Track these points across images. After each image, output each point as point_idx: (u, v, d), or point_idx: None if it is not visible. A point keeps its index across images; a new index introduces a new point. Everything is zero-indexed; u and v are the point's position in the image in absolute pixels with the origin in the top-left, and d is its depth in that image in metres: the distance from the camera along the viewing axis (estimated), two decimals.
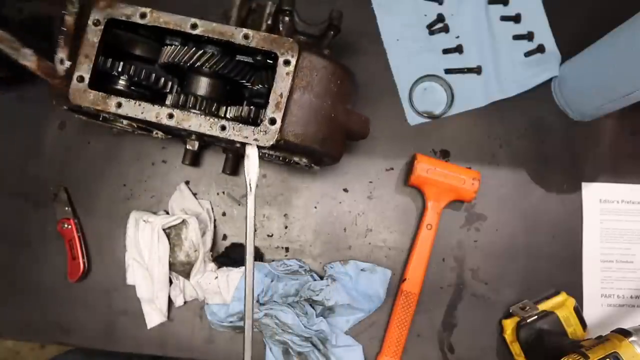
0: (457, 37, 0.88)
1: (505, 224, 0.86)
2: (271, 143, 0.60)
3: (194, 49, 0.63)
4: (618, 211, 0.86)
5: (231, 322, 0.80)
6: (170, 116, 0.61)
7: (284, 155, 0.67)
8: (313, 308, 0.80)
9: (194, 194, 0.84)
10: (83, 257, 0.82)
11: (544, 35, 0.88)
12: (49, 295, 0.83)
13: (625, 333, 0.67)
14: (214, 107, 0.66)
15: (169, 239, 0.79)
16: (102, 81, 0.63)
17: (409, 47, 0.88)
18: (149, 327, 0.81)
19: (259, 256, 0.84)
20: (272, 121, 0.60)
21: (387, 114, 0.86)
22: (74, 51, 0.61)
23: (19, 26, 0.82)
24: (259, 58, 0.65)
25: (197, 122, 0.61)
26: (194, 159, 0.79)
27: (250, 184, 0.63)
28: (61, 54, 0.61)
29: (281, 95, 0.60)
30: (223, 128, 0.60)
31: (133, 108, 0.61)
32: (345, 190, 0.86)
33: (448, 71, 0.87)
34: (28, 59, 0.61)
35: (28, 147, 0.85)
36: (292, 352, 0.79)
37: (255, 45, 0.61)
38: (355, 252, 0.84)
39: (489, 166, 0.86)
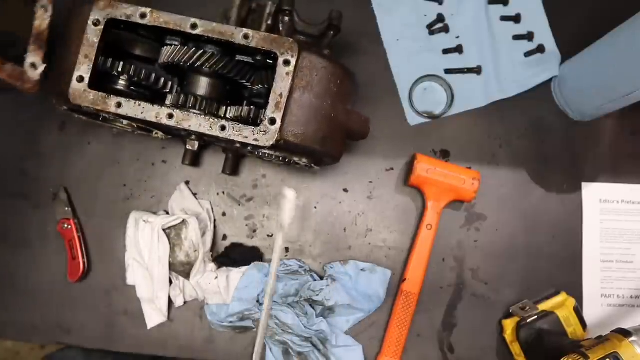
0: (457, 37, 0.88)
1: (505, 224, 0.86)
2: (271, 143, 0.60)
3: (194, 49, 0.63)
4: (618, 211, 0.86)
5: (231, 322, 0.80)
6: (170, 116, 0.61)
7: (284, 155, 0.67)
8: (313, 308, 0.80)
9: (194, 194, 0.84)
10: (83, 257, 0.82)
11: (544, 35, 0.88)
12: (49, 295, 0.83)
13: (625, 333, 0.67)
14: (214, 107, 0.66)
15: (169, 239, 0.79)
16: (102, 81, 0.63)
17: (409, 47, 0.88)
18: (149, 327, 0.81)
19: (258, 256, 0.84)
20: (272, 121, 0.60)
21: (387, 114, 0.86)
22: (57, 53, 0.62)
23: None
24: (259, 58, 0.65)
25: (197, 122, 0.61)
26: (194, 159, 0.79)
27: (282, 223, 0.69)
28: (32, 58, 0.61)
29: (281, 95, 0.60)
30: (223, 128, 0.60)
31: (133, 108, 0.61)
32: (345, 190, 0.86)
33: (448, 71, 0.87)
34: None
35: (28, 148, 0.85)
36: (292, 352, 0.79)
37: (255, 45, 0.61)
38: (355, 252, 0.84)
39: (489, 166, 0.86)
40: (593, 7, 0.89)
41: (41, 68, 0.63)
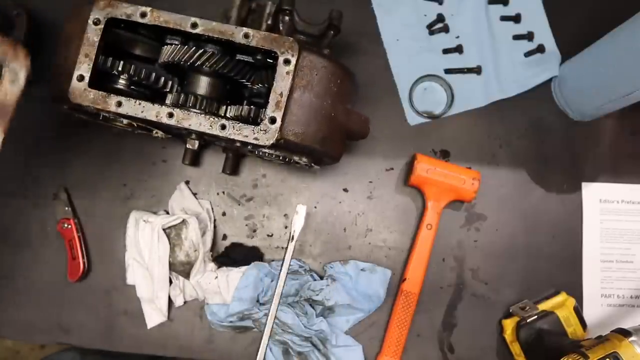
0: (457, 37, 0.88)
1: (505, 224, 0.86)
2: (271, 142, 0.60)
3: (194, 48, 0.63)
4: (618, 211, 0.86)
5: (231, 322, 0.79)
6: (171, 115, 0.61)
7: (284, 154, 0.67)
8: (313, 308, 0.80)
9: (194, 194, 0.84)
10: (83, 257, 0.82)
11: (544, 35, 0.88)
12: (49, 295, 0.83)
13: (625, 333, 0.67)
14: (214, 107, 0.66)
15: (169, 239, 0.79)
16: (102, 80, 0.63)
17: (409, 47, 0.88)
18: (149, 327, 0.81)
19: (258, 256, 0.84)
20: (272, 120, 0.60)
21: (387, 114, 0.86)
22: (58, 52, 0.61)
23: None
24: (259, 57, 0.65)
25: (197, 121, 0.61)
26: (194, 159, 0.79)
27: (293, 234, 0.75)
28: None
29: (281, 95, 0.60)
30: (223, 127, 0.60)
31: (133, 107, 0.61)
32: (345, 190, 0.86)
33: (448, 71, 0.87)
34: None
35: (28, 148, 0.85)
36: (292, 352, 0.79)
37: (255, 44, 0.61)
38: (355, 252, 0.84)
39: (489, 166, 0.86)
40: (593, 7, 0.89)
41: None
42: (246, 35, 0.61)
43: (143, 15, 0.61)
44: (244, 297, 0.78)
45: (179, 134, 0.73)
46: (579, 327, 0.81)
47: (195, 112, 0.63)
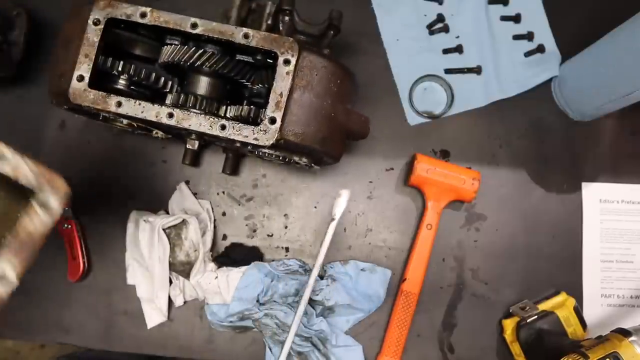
0: (457, 37, 0.88)
1: (505, 224, 0.86)
2: (271, 142, 0.60)
3: (194, 48, 0.63)
4: (618, 211, 0.86)
5: (231, 322, 0.80)
6: (170, 115, 0.61)
7: (284, 154, 0.67)
8: (313, 308, 0.80)
9: (194, 194, 0.84)
10: (83, 257, 0.82)
11: (544, 35, 0.88)
12: (49, 295, 0.83)
13: (625, 333, 0.67)
14: (214, 107, 0.66)
15: (169, 238, 0.79)
16: (102, 80, 0.63)
17: (409, 47, 0.88)
18: (149, 327, 0.81)
19: (258, 256, 0.84)
20: (272, 120, 0.60)
21: (387, 114, 0.86)
22: (57, 52, 0.61)
23: None
24: (259, 57, 0.65)
25: (197, 122, 0.61)
26: (194, 159, 0.79)
27: (335, 216, 0.70)
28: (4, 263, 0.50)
29: (281, 95, 0.60)
30: (223, 127, 0.60)
31: (133, 107, 0.61)
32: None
33: (448, 71, 0.87)
34: None
35: (28, 147, 0.85)
36: (292, 352, 0.79)
37: (255, 44, 0.61)
38: (355, 252, 0.84)
39: (489, 166, 0.86)
40: (593, 7, 0.89)
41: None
42: (246, 36, 0.61)
43: (143, 15, 0.61)
44: (244, 297, 0.78)
45: (179, 134, 0.73)
46: (579, 327, 0.81)
47: (195, 112, 0.63)
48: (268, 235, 0.85)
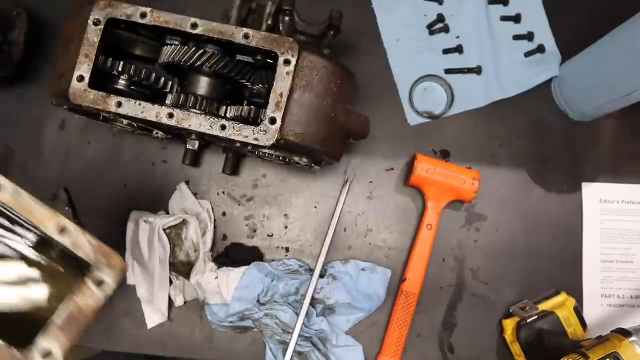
0: (457, 37, 0.88)
1: (505, 224, 0.86)
2: (271, 142, 0.60)
3: (194, 48, 0.63)
4: (618, 211, 0.86)
5: (231, 322, 0.80)
6: (170, 115, 0.61)
7: (284, 154, 0.67)
8: (313, 307, 0.80)
9: (194, 194, 0.84)
10: None
11: (544, 35, 0.88)
12: None
13: (625, 333, 0.67)
14: (214, 107, 0.66)
15: (169, 238, 0.79)
16: (102, 81, 0.63)
17: (409, 47, 0.88)
18: (149, 327, 0.81)
19: (258, 256, 0.84)
20: (272, 120, 0.60)
21: (387, 114, 0.86)
22: (57, 52, 0.61)
23: None
24: (259, 58, 0.65)
25: (197, 122, 0.61)
26: (194, 159, 0.79)
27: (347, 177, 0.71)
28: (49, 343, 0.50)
29: (281, 95, 0.60)
30: (223, 127, 0.60)
31: (133, 107, 0.61)
32: None
33: (448, 71, 0.87)
34: None
35: (28, 147, 0.85)
36: (292, 352, 0.79)
37: (255, 44, 0.61)
38: (355, 252, 0.84)
39: (489, 166, 0.86)
40: (593, 7, 0.89)
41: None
42: (246, 36, 0.61)
43: (143, 15, 0.61)
44: (244, 297, 0.78)
45: (179, 134, 0.73)
46: (579, 327, 0.81)
47: (195, 112, 0.63)
48: (268, 235, 0.85)
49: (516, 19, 0.88)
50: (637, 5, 0.70)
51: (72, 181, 0.85)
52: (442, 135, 0.87)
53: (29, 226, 0.50)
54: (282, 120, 0.60)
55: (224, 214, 0.85)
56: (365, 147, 0.85)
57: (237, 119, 0.64)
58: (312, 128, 0.63)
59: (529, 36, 0.88)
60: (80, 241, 0.49)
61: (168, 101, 0.68)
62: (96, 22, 0.61)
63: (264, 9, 0.68)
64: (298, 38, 0.68)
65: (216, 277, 0.79)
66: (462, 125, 0.87)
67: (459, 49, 0.88)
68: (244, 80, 0.66)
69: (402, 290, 0.81)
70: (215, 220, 0.84)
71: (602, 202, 0.86)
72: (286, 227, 0.85)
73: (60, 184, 0.84)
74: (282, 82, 0.60)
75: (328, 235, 0.81)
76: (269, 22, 0.68)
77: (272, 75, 0.61)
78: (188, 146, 0.72)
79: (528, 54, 0.88)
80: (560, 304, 0.81)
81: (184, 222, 0.80)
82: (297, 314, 0.79)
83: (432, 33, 0.88)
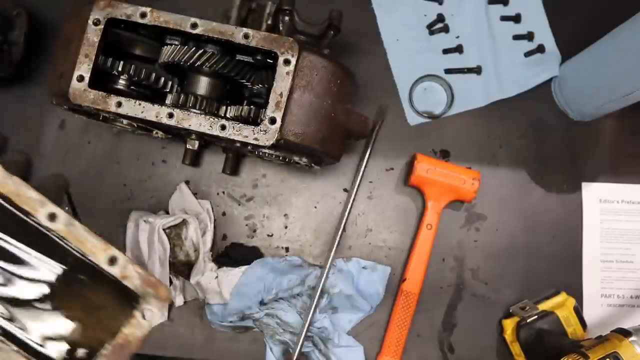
0: (457, 37, 0.88)
1: (505, 224, 0.86)
2: (271, 142, 0.60)
3: (194, 48, 0.63)
4: (618, 211, 0.86)
5: (231, 321, 0.79)
6: (170, 115, 0.61)
7: (284, 154, 0.67)
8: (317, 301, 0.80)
9: (194, 194, 0.84)
10: None
11: (544, 35, 0.88)
12: None
13: (625, 333, 0.67)
14: (214, 107, 0.66)
15: (169, 239, 0.79)
16: (102, 80, 0.63)
17: (409, 47, 0.88)
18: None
19: (259, 256, 0.84)
20: (272, 120, 0.60)
21: (387, 114, 0.86)
22: (57, 52, 0.61)
23: None
24: (259, 58, 0.65)
25: (197, 122, 0.61)
26: (194, 159, 0.79)
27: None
28: None
29: (281, 95, 0.60)
30: (223, 127, 0.60)
31: (133, 107, 0.61)
32: (345, 190, 0.86)
33: (448, 71, 0.87)
34: None
35: (28, 147, 0.85)
36: (290, 350, 0.79)
37: (255, 44, 0.61)
38: (355, 252, 0.84)
39: (489, 166, 0.86)
40: (593, 7, 0.89)
41: None
42: (246, 36, 0.61)
43: (143, 15, 0.61)
44: (245, 293, 0.78)
45: (179, 134, 0.73)
46: (579, 327, 0.81)
47: (195, 112, 0.63)
48: (268, 235, 0.85)
49: (516, 19, 0.88)
50: (637, 5, 0.70)
51: (72, 181, 0.85)
52: (442, 135, 0.87)
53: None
54: (282, 120, 0.60)
55: (224, 214, 0.85)
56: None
57: (237, 119, 0.64)
58: (312, 128, 0.63)
59: (529, 36, 0.88)
60: (129, 272, 0.50)
61: (168, 101, 0.68)
62: (96, 22, 0.61)
63: (264, 9, 0.68)
64: (298, 38, 0.68)
65: (216, 277, 0.79)
66: (462, 125, 0.87)
67: (459, 49, 0.88)
68: (244, 80, 0.66)
69: (402, 290, 0.81)
70: (215, 220, 0.84)
71: (602, 202, 0.86)
72: (286, 227, 0.85)
73: (60, 184, 0.84)
74: (282, 82, 0.60)
75: (347, 207, 0.82)
76: (269, 22, 0.68)
77: (272, 75, 0.61)
78: (188, 146, 0.72)
79: (528, 54, 0.88)
80: (560, 304, 0.81)
81: (184, 222, 0.80)
82: (300, 313, 0.79)
83: (432, 33, 0.88)
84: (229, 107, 0.67)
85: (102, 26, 0.61)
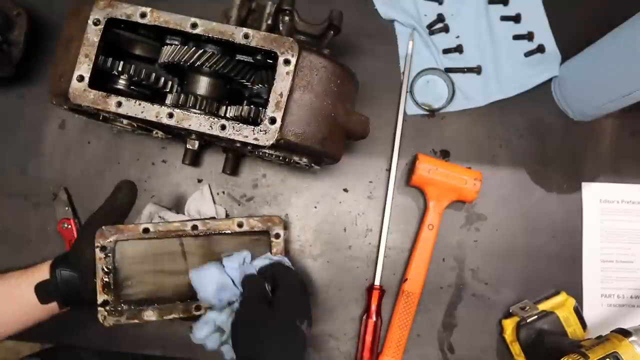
0: (457, 37, 0.88)
1: (505, 224, 0.86)
2: (271, 142, 0.60)
3: (194, 48, 0.63)
4: (618, 211, 0.86)
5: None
6: (170, 115, 0.61)
7: (284, 154, 0.67)
8: None
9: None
10: None
11: (544, 35, 0.88)
12: None
13: (625, 333, 0.67)
14: (214, 107, 0.66)
15: None
16: (102, 80, 0.63)
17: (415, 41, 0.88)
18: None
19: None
20: (272, 120, 0.60)
21: (388, 114, 0.86)
22: (57, 52, 0.61)
23: None
24: (259, 57, 0.65)
25: (197, 122, 0.61)
26: (194, 159, 0.79)
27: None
28: None
29: (281, 95, 0.60)
30: (223, 127, 0.60)
31: (133, 107, 0.61)
32: (345, 190, 0.86)
33: (448, 70, 0.87)
34: None
35: (28, 147, 0.85)
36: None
37: (255, 44, 0.60)
38: (355, 252, 0.84)
39: (489, 166, 0.86)
40: (593, 7, 0.89)
41: None
42: (246, 36, 0.61)
43: (143, 15, 0.61)
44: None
45: (179, 134, 0.73)
46: (579, 327, 0.81)
47: (195, 112, 0.63)
48: None
49: (516, 19, 0.88)
50: (637, 5, 0.70)
51: (72, 181, 0.85)
52: (442, 135, 0.87)
53: None
54: (282, 120, 0.60)
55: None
56: (365, 147, 0.85)
57: (237, 119, 0.64)
58: (312, 128, 0.63)
59: (529, 36, 0.88)
60: (252, 223, 0.72)
61: (168, 101, 0.68)
62: (96, 22, 0.61)
63: (264, 9, 0.68)
64: (298, 38, 0.68)
65: None
66: (462, 125, 0.87)
67: (459, 49, 0.88)
68: (244, 80, 0.66)
69: (404, 290, 0.81)
70: None
71: (602, 202, 0.86)
72: (286, 227, 0.85)
73: (60, 184, 0.84)
74: (282, 82, 0.60)
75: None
76: (269, 22, 0.68)
77: (272, 75, 0.61)
78: (188, 146, 0.72)
79: (528, 54, 0.88)
80: (560, 304, 0.81)
81: None
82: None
83: (432, 33, 0.88)
84: (229, 107, 0.67)
85: (102, 26, 0.61)
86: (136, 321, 0.69)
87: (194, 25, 0.61)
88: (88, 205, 0.84)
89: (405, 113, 0.86)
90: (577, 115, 0.86)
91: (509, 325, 0.81)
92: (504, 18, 0.88)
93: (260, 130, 0.60)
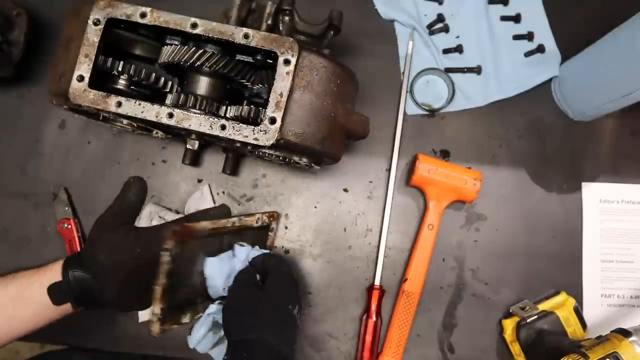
0: (457, 37, 0.88)
1: (505, 224, 0.86)
2: (271, 142, 0.60)
3: (194, 48, 0.63)
4: (618, 211, 0.86)
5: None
6: (170, 115, 0.61)
7: (284, 154, 0.67)
8: None
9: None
10: None
11: (544, 35, 0.88)
12: None
13: (625, 333, 0.67)
14: (214, 107, 0.66)
15: None
16: (102, 80, 0.63)
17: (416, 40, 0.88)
18: (140, 321, 0.81)
19: None
20: (272, 120, 0.60)
21: (388, 114, 0.86)
22: (57, 52, 0.61)
23: None
24: (259, 57, 0.65)
25: (197, 122, 0.61)
26: (194, 159, 0.79)
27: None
28: None
29: (281, 95, 0.60)
30: (223, 127, 0.60)
31: (133, 107, 0.61)
32: (345, 190, 0.86)
33: (448, 70, 0.87)
34: None
35: (28, 147, 0.85)
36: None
37: (255, 44, 0.61)
38: (355, 252, 0.84)
39: (489, 166, 0.86)
40: (593, 7, 0.89)
41: None
42: (246, 36, 0.61)
43: (143, 15, 0.61)
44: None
45: (179, 134, 0.73)
46: (579, 327, 0.81)
47: (195, 112, 0.63)
48: None
49: (516, 19, 0.88)
50: (637, 5, 0.70)
51: (72, 181, 0.85)
52: (442, 135, 0.87)
53: None
54: (282, 120, 0.60)
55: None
56: (365, 147, 0.85)
57: (237, 119, 0.64)
58: (312, 128, 0.63)
59: (529, 36, 0.88)
60: (263, 219, 0.78)
61: (168, 101, 0.68)
62: (96, 22, 0.61)
63: (264, 9, 0.68)
64: (298, 38, 0.68)
65: None
66: (462, 125, 0.87)
67: (459, 49, 0.88)
68: (244, 80, 0.66)
69: (404, 290, 0.81)
70: None
71: (602, 202, 0.86)
72: (286, 228, 0.85)
73: (60, 184, 0.84)
74: (282, 82, 0.60)
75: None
76: (269, 22, 0.68)
77: (272, 75, 0.61)
78: (188, 146, 0.72)
79: (528, 54, 0.88)
80: (560, 304, 0.81)
81: None
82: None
83: (432, 33, 0.88)
84: (229, 107, 0.67)
85: (102, 26, 0.61)
86: (176, 326, 0.64)
87: (194, 25, 0.61)
88: (88, 205, 0.84)
89: (405, 113, 0.86)
90: (577, 115, 0.86)
91: (509, 325, 0.81)
92: (504, 18, 0.88)
93: (260, 130, 0.60)
